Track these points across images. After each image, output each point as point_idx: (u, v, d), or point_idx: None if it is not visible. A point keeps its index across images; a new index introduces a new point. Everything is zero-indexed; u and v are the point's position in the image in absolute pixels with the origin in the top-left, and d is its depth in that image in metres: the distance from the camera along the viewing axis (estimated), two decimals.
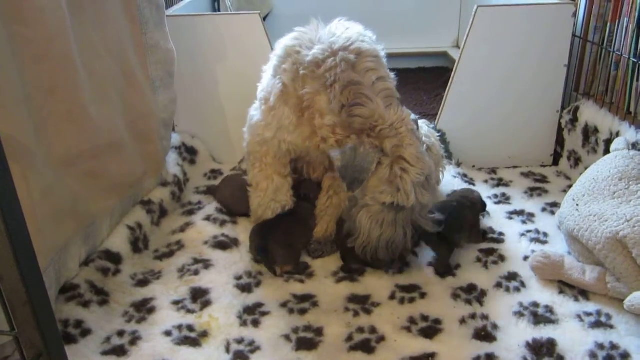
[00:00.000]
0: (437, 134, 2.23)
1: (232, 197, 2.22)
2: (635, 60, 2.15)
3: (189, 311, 1.70)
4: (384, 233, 1.67)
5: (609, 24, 2.32)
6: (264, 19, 3.22)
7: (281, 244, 1.88)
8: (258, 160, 1.97)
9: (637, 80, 2.18)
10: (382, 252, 1.70)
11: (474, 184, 2.46)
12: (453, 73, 2.50)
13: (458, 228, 1.92)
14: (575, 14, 2.41)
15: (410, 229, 1.69)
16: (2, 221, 0.82)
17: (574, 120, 2.47)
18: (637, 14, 2.14)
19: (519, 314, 1.66)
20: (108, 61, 1.84)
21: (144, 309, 1.71)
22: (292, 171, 2.05)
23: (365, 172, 1.61)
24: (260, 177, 1.98)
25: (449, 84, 2.53)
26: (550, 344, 1.53)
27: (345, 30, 1.74)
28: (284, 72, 1.76)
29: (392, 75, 1.75)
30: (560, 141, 2.61)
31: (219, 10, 3.33)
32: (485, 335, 1.58)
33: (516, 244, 2.02)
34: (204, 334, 1.61)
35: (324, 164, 2.03)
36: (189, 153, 2.57)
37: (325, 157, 1.87)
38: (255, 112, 1.95)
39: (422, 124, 2.11)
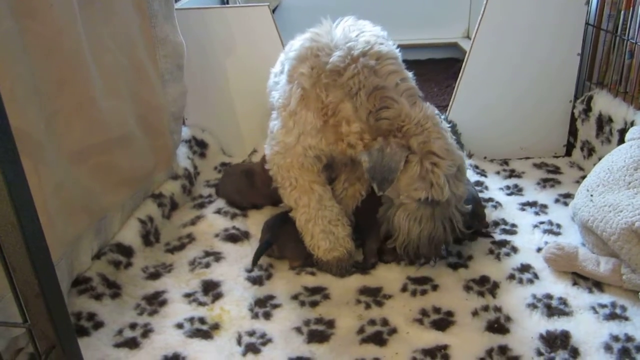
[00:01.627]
0: (448, 126, 2.20)
1: (238, 192, 2.22)
2: None
3: (201, 304, 1.71)
4: (424, 229, 1.65)
5: (622, 12, 2.28)
6: (273, 11, 3.21)
7: (292, 238, 1.87)
8: (286, 178, 1.83)
9: None
10: (424, 248, 1.68)
11: (485, 176, 2.44)
12: (464, 64, 2.48)
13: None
14: (588, 2, 2.37)
15: (448, 222, 1.67)
16: (14, 215, 0.83)
17: (588, 110, 2.44)
18: None
19: (533, 306, 1.64)
20: (117, 55, 1.84)
21: (156, 301, 1.72)
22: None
23: (394, 172, 1.59)
24: (297, 193, 1.83)
25: (459, 75, 2.50)
26: (564, 336, 1.52)
27: (360, 33, 1.71)
28: (301, 76, 1.70)
29: (410, 74, 1.74)
30: (573, 131, 2.58)
31: (228, 3, 3.32)
32: (498, 327, 1.57)
33: (529, 235, 2.00)
34: (216, 327, 1.61)
35: (345, 163, 1.99)
36: (199, 146, 2.58)
37: (347, 158, 1.84)
38: (274, 121, 1.87)
39: None
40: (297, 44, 1.78)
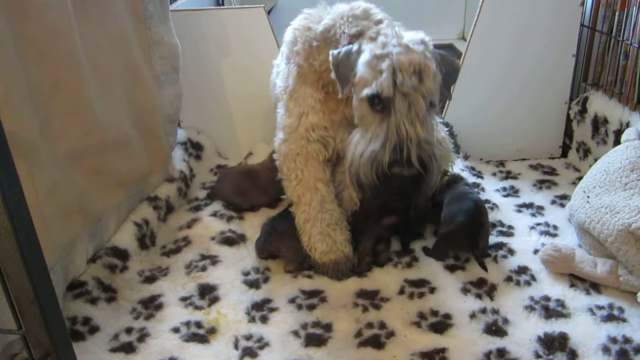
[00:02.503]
0: (445, 128, 2.20)
1: (239, 192, 2.21)
2: None
3: (197, 307, 1.69)
4: (369, 147, 1.50)
5: (617, 13, 2.28)
6: (269, 12, 3.20)
7: (290, 235, 1.85)
8: (292, 170, 1.81)
9: None
10: (364, 169, 1.51)
11: (482, 177, 2.44)
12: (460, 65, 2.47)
13: (484, 234, 1.87)
14: (583, 3, 2.37)
15: (395, 136, 1.46)
16: (8, 219, 0.81)
17: (583, 111, 2.44)
18: None
19: (530, 308, 1.64)
20: (112, 57, 1.83)
21: (152, 305, 1.70)
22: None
23: (352, 70, 1.53)
24: (301, 189, 1.81)
25: None
26: (562, 338, 1.52)
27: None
28: (296, 55, 1.74)
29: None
30: (568, 133, 2.58)
31: (223, 4, 3.31)
32: (496, 329, 1.57)
33: (526, 237, 2.00)
34: (212, 331, 1.60)
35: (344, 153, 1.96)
36: (194, 149, 2.56)
37: (349, 132, 1.81)
38: (279, 110, 1.86)
39: None
40: (290, 27, 1.81)
